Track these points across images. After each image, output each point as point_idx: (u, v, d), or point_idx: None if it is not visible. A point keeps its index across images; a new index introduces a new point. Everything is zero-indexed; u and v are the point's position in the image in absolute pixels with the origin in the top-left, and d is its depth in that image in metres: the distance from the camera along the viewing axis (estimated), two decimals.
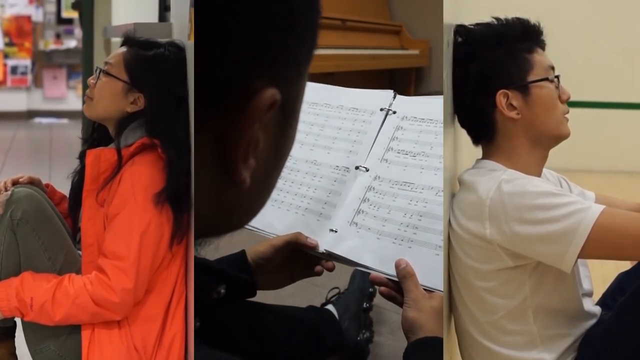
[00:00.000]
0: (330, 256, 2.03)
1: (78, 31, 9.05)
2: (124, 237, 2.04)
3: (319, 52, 0.81)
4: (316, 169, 2.17)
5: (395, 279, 1.87)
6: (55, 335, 2.10)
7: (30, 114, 9.69)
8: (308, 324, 2.26)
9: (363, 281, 2.53)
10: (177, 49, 2.17)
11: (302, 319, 2.27)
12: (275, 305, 2.21)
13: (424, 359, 1.77)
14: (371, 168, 2.09)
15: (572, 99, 1.93)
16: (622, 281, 2.09)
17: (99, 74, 2.20)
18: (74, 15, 8.86)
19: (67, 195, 2.30)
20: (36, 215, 2.09)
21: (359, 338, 2.42)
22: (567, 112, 1.94)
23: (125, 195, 2.06)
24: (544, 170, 1.99)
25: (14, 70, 9.75)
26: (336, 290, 2.55)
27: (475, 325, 1.91)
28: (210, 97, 0.73)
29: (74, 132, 6.60)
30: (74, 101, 9.39)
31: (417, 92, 6.29)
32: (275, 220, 2.13)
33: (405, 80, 6.32)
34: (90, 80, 2.22)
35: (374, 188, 2.05)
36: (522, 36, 1.92)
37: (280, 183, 2.21)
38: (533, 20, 1.95)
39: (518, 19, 1.95)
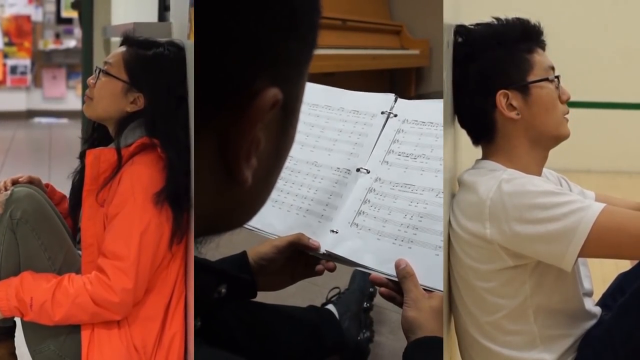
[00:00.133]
0: (331, 257, 2.03)
1: (77, 31, 9.04)
2: (124, 237, 2.04)
3: (319, 52, 0.81)
4: (317, 170, 2.18)
5: (395, 279, 1.87)
6: (55, 335, 2.10)
7: (30, 114, 9.68)
8: (308, 324, 2.26)
9: (363, 281, 2.53)
10: (177, 49, 2.17)
11: (303, 318, 2.27)
12: (275, 305, 2.21)
13: (423, 358, 1.77)
14: (372, 170, 2.10)
15: (572, 99, 1.93)
16: (622, 281, 2.09)
17: (99, 73, 2.20)
18: (74, 15, 8.86)
19: (67, 195, 2.30)
20: (36, 215, 2.09)
21: (359, 338, 2.42)
22: (567, 113, 1.94)
23: (125, 195, 2.06)
24: (544, 170, 1.99)
25: (13, 70, 9.74)
26: (337, 290, 2.55)
27: (476, 325, 1.91)
28: (212, 97, 0.73)
29: (74, 132, 6.59)
30: (73, 101, 9.39)
31: (418, 92, 6.29)
32: (276, 220, 2.13)
33: (405, 80, 6.33)
34: (90, 80, 2.22)
35: (374, 190, 2.06)
36: (522, 36, 1.92)
37: (281, 184, 2.21)
38: (533, 20, 1.95)
39: (518, 19, 1.95)
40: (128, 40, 2.23)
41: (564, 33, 5.40)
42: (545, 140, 1.92)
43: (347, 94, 2.31)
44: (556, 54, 2.02)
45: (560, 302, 1.87)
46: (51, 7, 9.96)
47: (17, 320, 2.21)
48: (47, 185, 2.30)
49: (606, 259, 1.92)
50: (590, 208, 1.73)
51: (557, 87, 1.92)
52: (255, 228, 2.12)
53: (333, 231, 2.04)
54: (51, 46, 9.92)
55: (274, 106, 0.74)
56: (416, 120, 2.13)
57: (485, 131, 1.94)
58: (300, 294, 2.59)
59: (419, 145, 2.08)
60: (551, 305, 1.86)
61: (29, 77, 9.80)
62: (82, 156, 2.22)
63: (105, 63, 2.21)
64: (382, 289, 1.92)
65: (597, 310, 1.97)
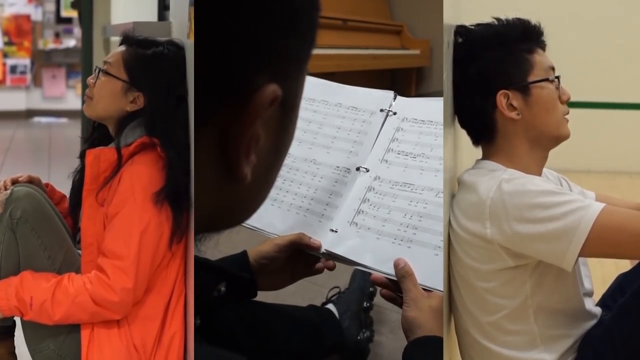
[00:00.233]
0: (331, 256, 2.03)
1: (77, 30, 9.04)
2: (124, 236, 2.04)
3: (320, 51, 0.82)
4: (316, 168, 2.17)
5: (395, 278, 1.87)
6: (55, 334, 2.10)
7: (30, 113, 9.68)
8: (308, 323, 2.26)
9: (363, 280, 2.53)
10: (176, 48, 2.17)
11: (303, 318, 2.27)
12: (275, 304, 2.21)
13: (423, 357, 1.77)
14: (371, 169, 2.09)
15: (572, 99, 1.93)
16: (622, 282, 2.09)
17: (98, 73, 2.20)
18: (73, 14, 8.86)
19: (67, 195, 2.30)
20: (35, 214, 2.09)
21: (359, 337, 2.42)
22: (567, 113, 1.94)
23: (124, 194, 2.05)
24: (544, 169, 1.99)
25: (13, 69, 9.74)
26: (337, 290, 2.55)
27: (476, 325, 1.90)
28: (212, 94, 0.73)
29: (73, 132, 6.60)
30: (73, 100, 9.39)
31: (418, 92, 6.29)
32: (276, 220, 2.12)
33: (406, 80, 6.32)
34: (90, 80, 2.22)
35: (374, 188, 2.06)
36: (523, 37, 1.92)
37: (279, 182, 2.21)
38: (533, 20, 1.95)
39: (518, 19, 1.95)
40: (128, 39, 2.22)
41: (564, 33, 5.40)
42: (546, 140, 1.92)
43: (345, 89, 2.30)
44: (556, 54, 2.02)
45: (560, 302, 1.87)
46: (51, 7, 9.95)
47: (17, 319, 2.21)
48: (46, 185, 2.30)
49: (606, 260, 1.93)
50: (591, 207, 1.73)
51: (558, 88, 1.92)
52: (255, 227, 2.12)
53: (332, 230, 2.04)
54: (51, 46, 9.92)
55: (273, 102, 0.74)
56: (415, 119, 2.12)
57: (486, 131, 1.94)
58: (301, 294, 2.59)
59: (418, 144, 2.07)
60: (551, 305, 1.86)
61: (28, 76, 9.80)
62: (82, 156, 2.22)
63: (105, 62, 2.21)
64: (384, 291, 1.92)
65: (598, 310, 1.97)
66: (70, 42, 9.91)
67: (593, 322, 1.92)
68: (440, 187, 1.95)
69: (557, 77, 1.93)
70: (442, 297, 1.83)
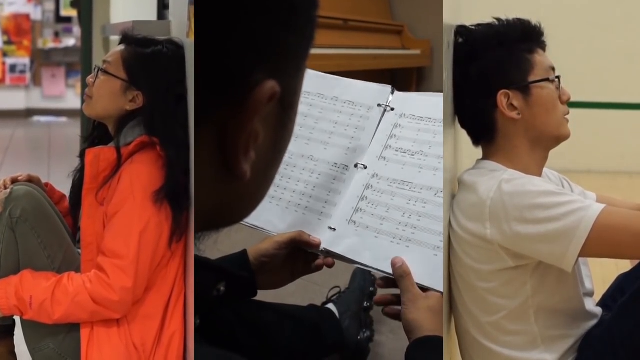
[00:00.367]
0: (329, 254, 2.03)
1: (77, 29, 9.04)
2: (123, 235, 2.04)
3: (320, 51, 0.81)
4: (313, 165, 2.15)
5: (392, 276, 1.87)
6: (55, 333, 2.10)
7: (29, 113, 9.67)
8: (309, 323, 2.26)
9: (364, 280, 2.52)
10: (176, 47, 2.17)
11: (303, 317, 2.27)
12: (276, 304, 2.21)
13: (424, 357, 1.77)
14: (369, 166, 2.08)
15: (573, 99, 1.93)
16: (622, 282, 2.09)
17: (98, 72, 2.20)
18: (73, 13, 8.86)
19: (66, 194, 2.30)
20: (35, 213, 2.09)
21: (359, 337, 2.42)
22: (568, 113, 1.94)
23: (124, 193, 2.05)
24: (546, 170, 1.99)
25: (12, 68, 9.74)
26: (337, 289, 2.55)
27: (476, 325, 1.90)
28: (211, 91, 0.73)
29: (73, 131, 6.59)
30: (72, 100, 9.38)
31: (419, 92, 6.28)
32: (274, 218, 2.12)
33: (406, 80, 6.32)
34: (89, 79, 2.21)
35: (372, 186, 2.05)
36: (523, 37, 1.92)
37: (277, 179, 2.20)
38: (534, 20, 1.95)
39: (519, 19, 1.95)
40: (127, 38, 2.22)
41: (564, 33, 5.39)
42: (546, 140, 1.92)
43: (341, 82, 2.28)
44: (556, 54, 2.02)
45: (561, 303, 1.86)
46: (50, 6, 9.95)
47: (17, 318, 2.21)
48: (46, 185, 2.30)
49: (606, 260, 1.92)
50: (591, 208, 1.73)
51: (558, 88, 1.92)
52: (254, 225, 2.12)
53: (331, 228, 2.03)
54: (50, 45, 9.91)
55: (272, 99, 0.74)
56: (414, 115, 2.10)
57: (486, 131, 1.94)
58: (301, 293, 2.58)
59: (416, 141, 2.06)
60: (552, 306, 1.85)
61: (28, 75, 9.79)
62: (81, 155, 2.22)
63: (104, 62, 2.21)
64: (387, 308, 1.92)
65: (598, 310, 1.96)
66: (70, 41, 9.90)
67: (593, 322, 1.92)
68: (439, 187, 1.94)
69: (558, 77, 1.93)
70: (440, 297, 1.83)
